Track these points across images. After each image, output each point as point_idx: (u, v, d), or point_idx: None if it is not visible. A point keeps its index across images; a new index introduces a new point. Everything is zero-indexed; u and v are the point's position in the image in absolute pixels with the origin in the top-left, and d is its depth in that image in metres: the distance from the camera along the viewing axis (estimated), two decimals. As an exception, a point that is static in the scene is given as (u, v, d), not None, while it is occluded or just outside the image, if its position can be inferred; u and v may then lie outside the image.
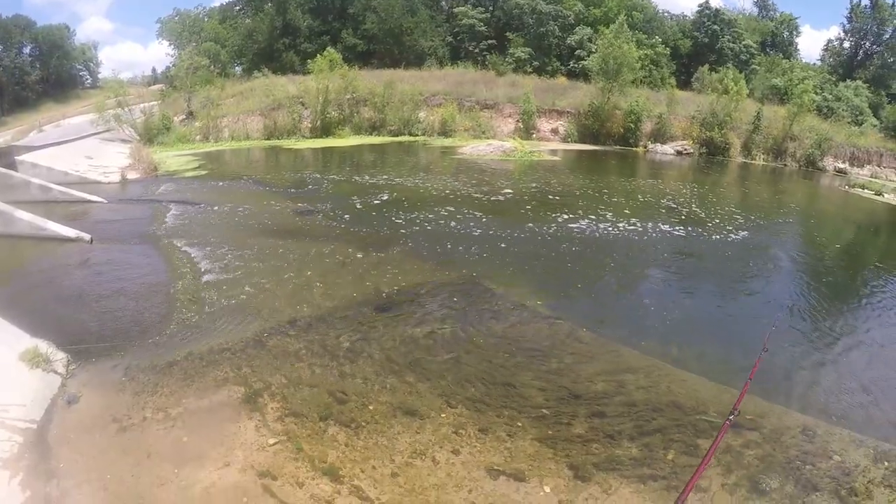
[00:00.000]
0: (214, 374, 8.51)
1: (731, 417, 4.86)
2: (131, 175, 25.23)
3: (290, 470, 6.55)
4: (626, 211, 22.10)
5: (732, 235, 20.25)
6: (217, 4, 78.17)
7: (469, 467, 6.80)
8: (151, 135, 37.87)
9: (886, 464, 7.67)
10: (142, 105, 43.15)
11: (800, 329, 12.71)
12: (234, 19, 69.88)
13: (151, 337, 9.67)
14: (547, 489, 6.57)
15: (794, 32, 79.17)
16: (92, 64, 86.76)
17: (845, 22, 70.01)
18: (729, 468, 7.19)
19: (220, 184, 24.20)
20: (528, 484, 6.62)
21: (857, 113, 55.54)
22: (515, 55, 60.83)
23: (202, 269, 13.11)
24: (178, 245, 14.91)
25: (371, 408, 7.84)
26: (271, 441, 7.00)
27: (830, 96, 56.86)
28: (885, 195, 37.90)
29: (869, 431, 8.43)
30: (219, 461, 6.62)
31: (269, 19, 60.98)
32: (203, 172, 27.13)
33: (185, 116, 44.06)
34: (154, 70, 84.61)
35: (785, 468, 7.26)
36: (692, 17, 71.94)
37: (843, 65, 68.41)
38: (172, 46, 68.50)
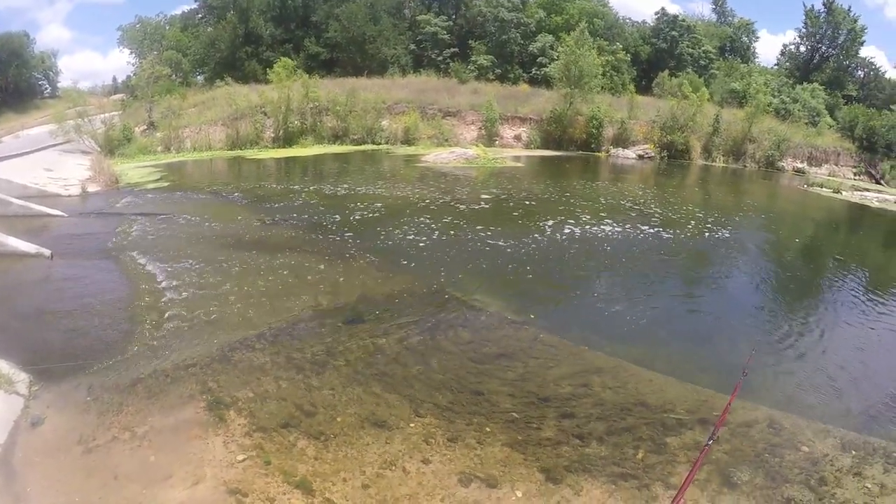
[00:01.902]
0: (180, 390, 8.39)
1: (709, 442, 4.98)
2: (92, 188, 24.78)
3: (260, 485, 6.49)
4: (588, 215, 22.31)
5: (696, 235, 20.64)
6: (179, 12, 77.42)
7: (440, 475, 6.81)
8: (112, 146, 37.24)
9: (854, 452, 7.88)
10: (102, 115, 42.11)
11: (764, 325, 13.06)
12: (195, 27, 69.04)
13: (115, 355, 9.46)
14: (519, 493, 6.61)
15: (752, 37, 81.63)
16: (51, 73, 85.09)
17: (801, 26, 71.98)
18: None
19: (183, 196, 23.91)
20: (500, 489, 6.65)
21: (814, 114, 56.81)
22: (478, 63, 61.24)
23: (165, 284, 12.86)
24: (141, 260, 14.64)
25: (339, 420, 7.80)
26: (240, 457, 6.94)
27: (788, 98, 58.06)
28: (843, 192, 39.13)
29: (836, 422, 8.64)
30: (188, 479, 6.54)
31: (231, 27, 60.33)
32: (165, 184, 26.80)
33: (146, 127, 43.44)
34: (115, 79, 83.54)
35: (754, 461, 7.40)
36: (652, 24, 72.96)
37: (799, 68, 70.32)
38: (133, 55, 67.47)
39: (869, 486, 7.24)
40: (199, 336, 10.29)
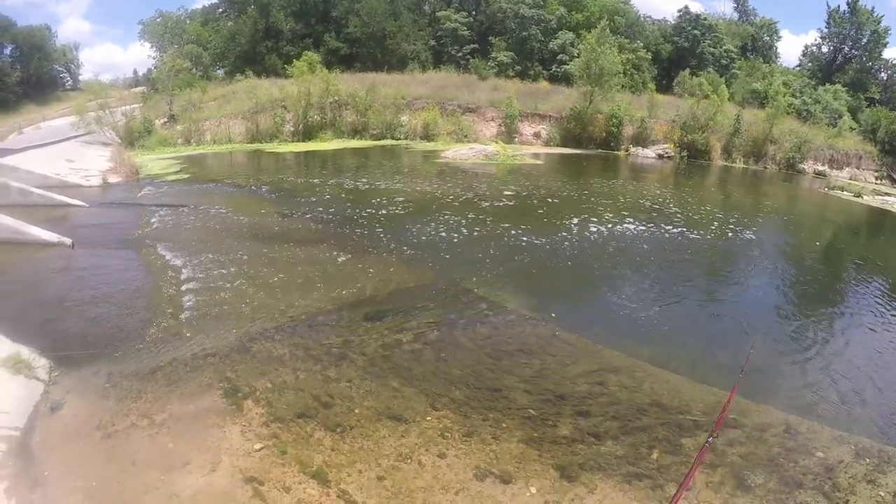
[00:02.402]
0: (199, 379, 8.47)
1: (709, 440, 4.96)
2: (112, 178, 25.01)
3: (276, 475, 6.55)
4: (609, 213, 22.24)
5: (717, 236, 20.49)
6: (199, 6, 77.83)
7: (455, 470, 6.84)
8: (133, 138, 37.60)
9: (868, 460, 7.83)
10: (123, 108, 42.64)
11: (783, 328, 12.95)
12: (216, 21, 69.54)
13: (135, 343, 9.58)
14: (533, 490, 6.63)
15: (774, 37, 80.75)
16: (73, 66, 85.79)
17: (824, 27, 71.04)
18: (713, 466, 7.30)
19: (203, 187, 24.06)
20: (515, 485, 6.68)
21: (836, 116, 56.11)
22: (498, 59, 60.94)
23: (185, 274, 13.00)
24: (161, 250, 14.78)
25: (356, 412, 7.84)
26: (257, 446, 7.00)
27: (809, 100, 57.44)
28: (864, 196, 38.58)
29: (851, 429, 8.60)
30: (205, 467, 6.61)
31: (251, 22, 60.43)
32: (185, 176, 26.95)
33: (166, 119, 43.71)
34: (136, 72, 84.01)
35: (768, 465, 7.38)
36: (673, 22, 72.37)
37: (822, 69, 69.35)
38: (154, 48, 68.02)
39: (882, 494, 7.20)
40: (218, 326, 10.37)
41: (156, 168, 28.79)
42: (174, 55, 53.04)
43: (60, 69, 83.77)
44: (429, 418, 7.83)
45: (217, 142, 40.11)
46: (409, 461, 6.93)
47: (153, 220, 17.84)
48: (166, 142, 38.75)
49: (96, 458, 6.75)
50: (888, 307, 15.12)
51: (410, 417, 7.81)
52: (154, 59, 65.64)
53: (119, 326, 10.38)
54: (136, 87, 68.52)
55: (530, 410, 8.23)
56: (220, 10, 72.05)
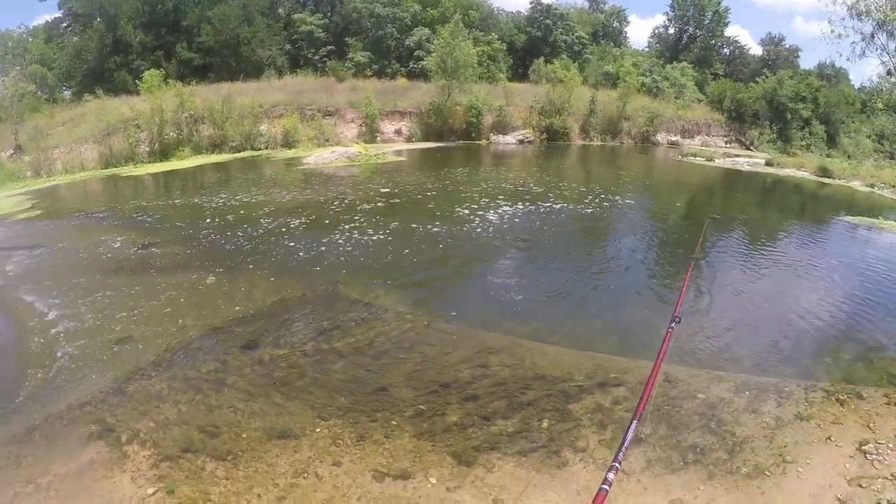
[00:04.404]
0: (78, 431, 7.98)
1: (672, 324, 5.25)
2: (-43, 223, 23.29)
3: (174, 516, 6.36)
4: (485, 199, 22.90)
5: (582, 209, 21.48)
6: (42, 22, 73.37)
7: (353, 475, 6.84)
8: (-25, 177, 34.90)
9: (748, 393, 8.51)
10: (-39, 142, 39.76)
11: (651, 286, 13.93)
12: (60, 38, 65.03)
13: (4, 405, 8.92)
14: (433, 480, 6.73)
15: (623, 23, 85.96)
16: None
17: (669, 10, 77.43)
18: (602, 424, 7.72)
19: (58, 223, 22.36)
20: (415, 479, 6.75)
21: (682, 88, 59.84)
22: (355, 60, 61.01)
23: (50, 320, 12.11)
24: (22, 296, 13.70)
25: (244, 436, 7.67)
26: (150, 490, 6.69)
27: (659, 77, 60.77)
28: (716, 160, 41.96)
29: (728, 368, 9.36)
30: (99, 524, 6.35)
31: (98, 36, 57.00)
32: (37, 212, 25.10)
33: (13, 151, 40.54)
34: (-27, 101, 78.87)
35: (654, 415, 7.80)
36: (526, 14, 75.03)
37: (669, 49, 75.44)
38: (-6, 73, 63.95)
39: (766, 420, 7.83)
40: (90, 371, 9.75)
41: (5, 207, 26.81)
42: (17, 78, 50.02)
43: None
44: (318, 429, 7.76)
45: (69, 171, 37.23)
46: (305, 476, 6.85)
47: (9, 265, 16.59)
48: (14, 176, 35.89)
49: (-15, 534, 6.38)
50: (751, 253, 17.00)
51: (300, 431, 7.72)
52: (-6, 84, 61.81)
53: (-15, 389, 9.69)
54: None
55: (417, 405, 8.32)
56: (65, 24, 67.12)
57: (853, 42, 23.44)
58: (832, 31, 23.48)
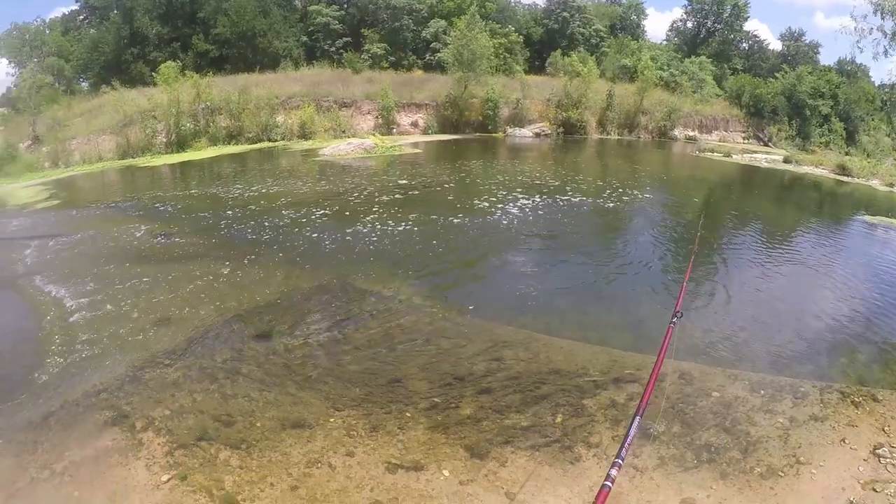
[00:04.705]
0: (94, 418, 8.06)
1: (674, 320, 5.24)
2: (-23, 213, 23.56)
3: (188, 503, 6.42)
4: (503, 192, 22.83)
5: (599, 203, 21.42)
6: (59, 15, 73.65)
7: (366, 466, 6.87)
8: (-4, 166, 35.17)
9: (762, 392, 8.45)
10: (-20, 134, 40.05)
11: (668, 282, 13.73)
12: (77, 30, 65.52)
13: (22, 391, 8.94)
14: (446, 473, 6.75)
15: (641, 16, 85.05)
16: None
17: (687, 3, 76.83)
18: (616, 420, 7.70)
19: (76, 213, 22.61)
20: (427, 471, 6.77)
21: (700, 83, 59.20)
22: (371, 51, 60.95)
23: (69, 309, 12.24)
24: (41, 285, 13.85)
25: (259, 425, 7.72)
26: (164, 478, 6.75)
27: (677, 72, 60.29)
28: (734, 156, 41.42)
29: (743, 366, 9.27)
30: (114, 509, 6.40)
31: (115, 28, 57.52)
32: (56, 202, 25.37)
33: (31, 142, 41.07)
34: (-7, 92, 79.44)
35: (669, 412, 7.79)
36: (543, 6, 74.91)
37: (687, 43, 74.79)
38: (13, 65, 64.12)
39: (781, 420, 7.76)
40: (106, 359, 9.86)
41: (24, 197, 27.13)
42: (34, 70, 50.15)
43: None
44: (332, 420, 7.80)
45: (87, 161, 37.78)
46: (319, 466, 6.89)
47: (28, 253, 16.73)
48: (32, 167, 36.26)
49: (2, 519, 6.44)
50: (766, 251, 16.77)
51: (314, 422, 7.76)
52: (13, 76, 61.93)
53: (3, 376, 9.63)
54: (-7, 108, 64.87)
55: (431, 397, 8.35)
56: (82, 16, 67.88)
57: (875, 39, 23.15)
58: (854, 28, 23.20)
